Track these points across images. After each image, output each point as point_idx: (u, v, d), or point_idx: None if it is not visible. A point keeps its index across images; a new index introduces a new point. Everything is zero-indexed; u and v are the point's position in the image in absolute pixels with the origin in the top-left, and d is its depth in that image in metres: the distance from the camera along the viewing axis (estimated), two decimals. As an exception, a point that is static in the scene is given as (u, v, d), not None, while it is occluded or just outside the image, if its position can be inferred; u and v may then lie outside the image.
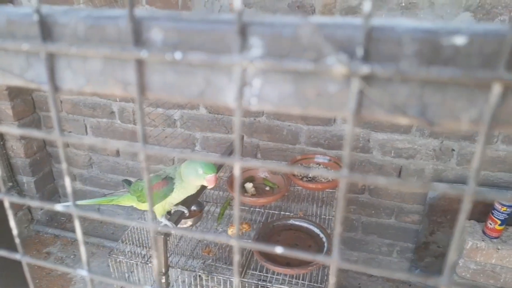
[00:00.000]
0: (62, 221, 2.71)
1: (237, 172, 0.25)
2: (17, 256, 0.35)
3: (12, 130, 0.29)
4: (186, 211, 1.31)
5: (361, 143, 1.98)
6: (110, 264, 1.34)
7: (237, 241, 0.26)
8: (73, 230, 2.61)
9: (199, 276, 1.71)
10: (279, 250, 0.25)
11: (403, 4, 1.68)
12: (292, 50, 0.19)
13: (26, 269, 0.36)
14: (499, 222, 1.76)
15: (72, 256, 2.39)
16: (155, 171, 1.42)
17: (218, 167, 1.32)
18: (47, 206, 0.30)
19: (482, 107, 0.18)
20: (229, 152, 1.73)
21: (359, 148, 2.00)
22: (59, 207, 0.32)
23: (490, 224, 1.79)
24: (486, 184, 1.89)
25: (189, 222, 1.39)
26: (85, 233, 2.59)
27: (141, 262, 1.32)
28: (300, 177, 1.65)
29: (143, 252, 1.55)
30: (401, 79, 0.19)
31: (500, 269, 1.82)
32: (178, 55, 0.21)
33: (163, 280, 1.17)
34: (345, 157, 0.21)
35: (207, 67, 0.21)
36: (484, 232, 1.83)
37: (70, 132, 2.50)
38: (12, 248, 0.42)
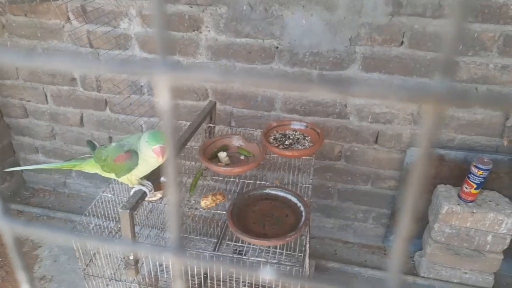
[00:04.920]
0: (26, 196, 2.57)
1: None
2: None
3: None
4: (150, 187, 1.22)
5: (338, 109, 1.92)
6: (73, 243, 1.25)
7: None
8: (38, 205, 2.48)
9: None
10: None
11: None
12: None
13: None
14: (475, 186, 1.76)
15: (37, 232, 2.27)
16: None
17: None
18: None
19: None
20: (201, 119, 1.63)
21: (336, 114, 1.93)
22: None
23: (466, 188, 1.79)
24: (462, 148, 1.87)
25: (158, 195, 1.30)
26: (51, 207, 2.47)
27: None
28: (276, 145, 1.57)
29: (111, 225, 1.46)
30: None
31: (474, 232, 1.83)
32: None
33: (131, 257, 1.09)
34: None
35: None
36: (459, 196, 1.83)
37: (29, 101, 2.32)
38: None
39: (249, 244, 1.31)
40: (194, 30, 1.88)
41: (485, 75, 1.69)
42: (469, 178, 1.77)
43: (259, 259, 1.17)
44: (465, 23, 0.20)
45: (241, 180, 1.53)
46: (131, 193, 1.17)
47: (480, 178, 1.74)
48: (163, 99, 0.22)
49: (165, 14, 0.20)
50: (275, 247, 1.34)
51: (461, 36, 0.19)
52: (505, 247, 1.83)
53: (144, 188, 1.17)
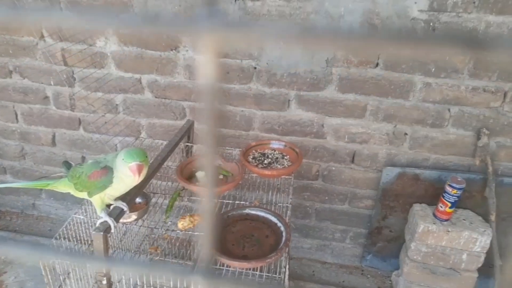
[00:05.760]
0: (-9, 219, 2.44)
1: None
2: None
3: None
4: (125, 208, 1.17)
5: (315, 129, 1.93)
6: (41, 267, 1.18)
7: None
8: (3, 229, 2.36)
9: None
10: None
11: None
12: None
13: None
14: (449, 204, 1.78)
15: None
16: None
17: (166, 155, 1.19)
18: None
19: None
20: (179, 138, 1.61)
21: (313, 133, 1.95)
22: None
23: (441, 207, 1.82)
24: (437, 168, 1.91)
25: (133, 216, 1.25)
26: (19, 231, 2.35)
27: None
28: (256, 164, 1.56)
29: (83, 248, 1.40)
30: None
31: (450, 250, 1.85)
32: None
33: (104, 282, 1.03)
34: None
35: None
36: (435, 215, 1.85)
37: (-3, 119, 2.23)
38: None
39: (228, 266, 1.28)
40: (172, 50, 1.87)
41: (457, 96, 1.74)
42: (444, 197, 1.80)
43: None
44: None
45: (220, 200, 1.50)
46: (98, 222, 1.10)
47: (454, 197, 1.77)
48: (207, 63, 0.20)
49: None
50: (255, 269, 1.31)
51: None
52: (479, 265, 1.86)
53: (109, 220, 1.11)
